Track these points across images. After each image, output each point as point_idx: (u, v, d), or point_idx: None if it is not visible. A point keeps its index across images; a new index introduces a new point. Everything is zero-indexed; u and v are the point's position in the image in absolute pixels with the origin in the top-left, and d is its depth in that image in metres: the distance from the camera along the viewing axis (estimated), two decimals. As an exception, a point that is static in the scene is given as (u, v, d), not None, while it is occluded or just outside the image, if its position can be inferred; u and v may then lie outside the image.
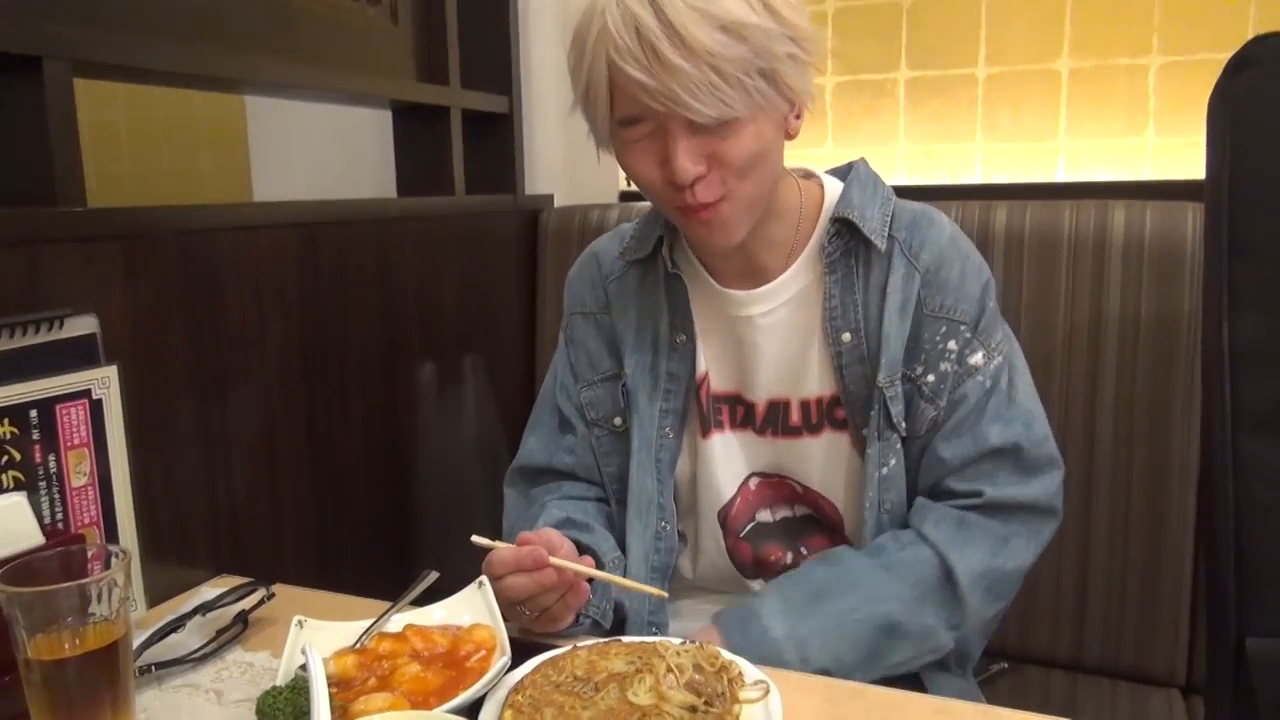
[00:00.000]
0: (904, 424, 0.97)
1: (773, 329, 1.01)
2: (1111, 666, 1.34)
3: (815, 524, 1.05)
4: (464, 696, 0.73)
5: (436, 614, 0.89)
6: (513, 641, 0.81)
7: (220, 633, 0.92)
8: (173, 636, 0.90)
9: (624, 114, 0.87)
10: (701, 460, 1.05)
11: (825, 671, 0.89)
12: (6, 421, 0.86)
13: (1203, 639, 1.28)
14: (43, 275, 0.91)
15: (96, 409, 0.93)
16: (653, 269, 1.06)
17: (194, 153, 2.25)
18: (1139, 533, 1.30)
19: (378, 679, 0.78)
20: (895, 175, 1.70)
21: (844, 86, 1.71)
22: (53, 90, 0.93)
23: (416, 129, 1.61)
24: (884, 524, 0.99)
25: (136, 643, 0.85)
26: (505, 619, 0.85)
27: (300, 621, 0.84)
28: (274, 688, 0.75)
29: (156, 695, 0.84)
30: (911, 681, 0.96)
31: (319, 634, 0.83)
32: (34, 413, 0.88)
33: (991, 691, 1.23)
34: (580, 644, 0.82)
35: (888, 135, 1.70)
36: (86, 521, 0.93)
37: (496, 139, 1.71)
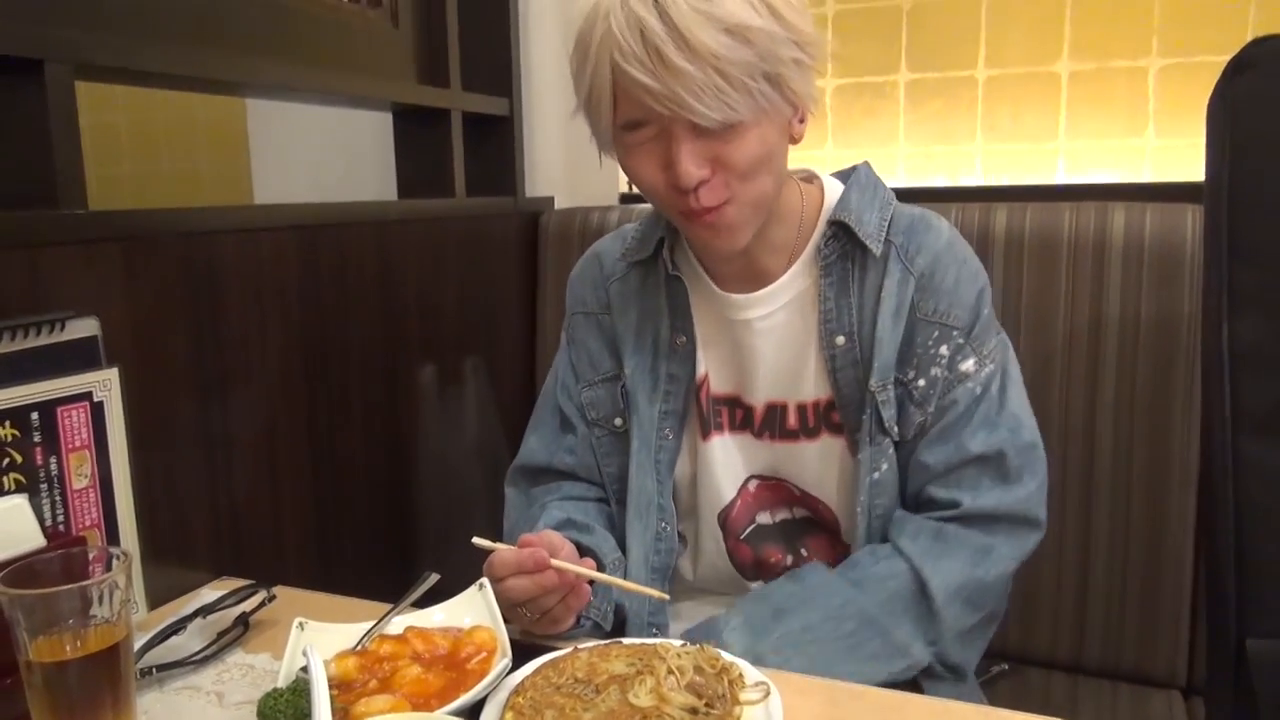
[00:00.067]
0: (896, 428, 0.97)
1: (771, 332, 1.01)
2: (1112, 668, 1.34)
3: (814, 525, 1.05)
4: (465, 698, 0.73)
5: (437, 616, 0.89)
6: (513, 643, 0.81)
7: (221, 635, 0.92)
8: (174, 639, 0.90)
9: (627, 117, 0.87)
10: (702, 462, 1.05)
11: None
12: (8, 424, 0.86)
13: (1203, 640, 1.28)
14: (44, 278, 0.91)
15: (98, 411, 0.93)
16: (654, 270, 1.06)
17: (194, 155, 2.25)
18: (1139, 534, 1.30)
19: (379, 681, 0.78)
20: (895, 177, 1.70)
21: (844, 89, 1.72)
22: (54, 93, 0.93)
23: (417, 131, 1.61)
24: (874, 529, 0.99)
25: (138, 645, 0.85)
26: (506, 621, 0.85)
27: (301, 623, 0.84)
28: (275, 690, 0.76)
29: (158, 697, 0.84)
30: (910, 683, 0.95)
31: (320, 636, 0.83)
32: (35, 415, 0.88)
33: (992, 693, 1.23)
34: (581, 646, 0.82)
35: (888, 137, 1.70)
36: (88, 524, 0.93)
37: (497, 141, 1.71)
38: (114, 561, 0.70)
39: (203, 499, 1.09)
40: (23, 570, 0.68)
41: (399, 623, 0.87)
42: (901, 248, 0.97)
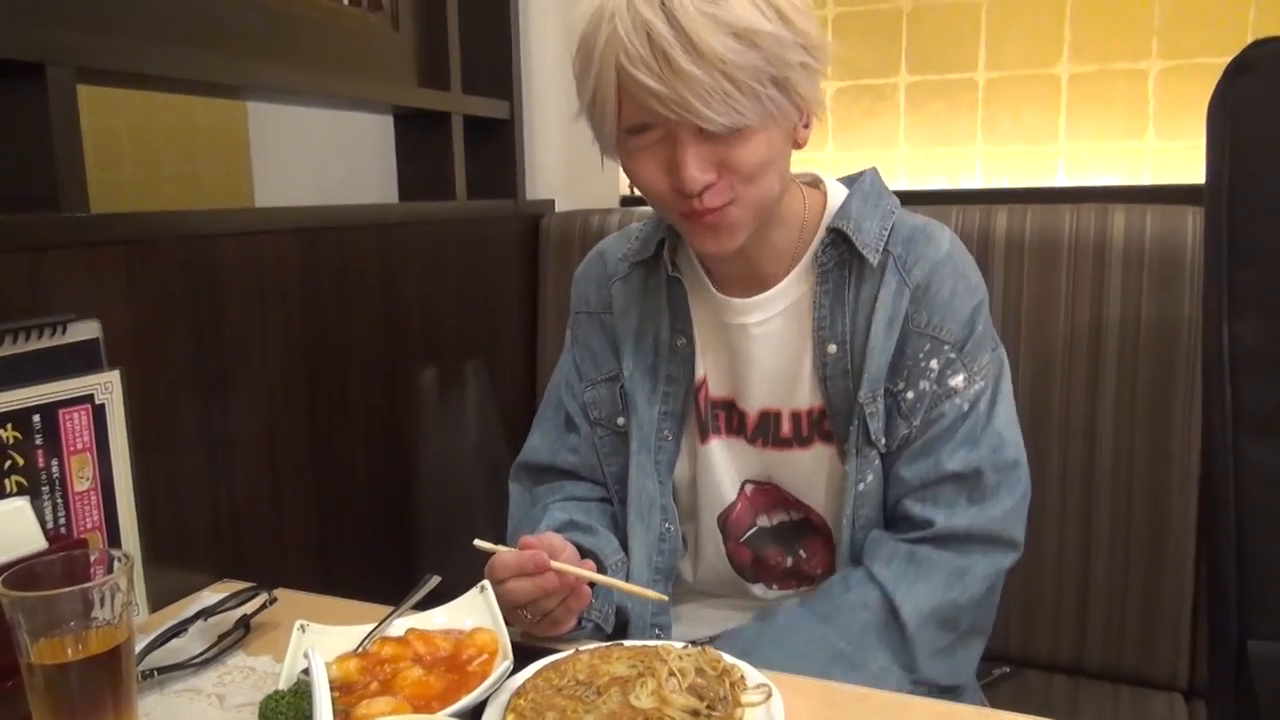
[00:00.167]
0: (883, 439, 0.96)
1: (767, 338, 1.00)
2: (1113, 670, 1.34)
3: (810, 528, 1.05)
4: (466, 700, 0.73)
5: (438, 618, 0.89)
6: (515, 645, 0.81)
7: (222, 637, 0.92)
8: (175, 641, 0.90)
9: (633, 121, 0.86)
10: (702, 464, 1.05)
11: None
12: (9, 426, 0.86)
13: (1204, 642, 1.28)
14: (46, 280, 0.91)
15: (99, 414, 0.93)
16: (655, 271, 1.06)
17: (195, 159, 2.25)
18: (1140, 536, 1.30)
19: (380, 683, 0.78)
20: (896, 179, 1.70)
21: (845, 91, 1.72)
22: (56, 96, 0.93)
23: (418, 134, 1.61)
24: (859, 540, 0.98)
25: (139, 647, 0.85)
26: (507, 623, 0.85)
27: (302, 626, 0.84)
28: (276, 692, 0.76)
29: (159, 700, 0.84)
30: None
31: (321, 638, 0.83)
32: (37, 418, 0.88)
33: (993, 696, 1.22)
34: (582, 648, 0.82)
35: (888, 139, 1.70)
36: (89, 526, 0.93)
37: (498, 144, 1.71)
38: (115, 564, 0.70)
39: (204, 501, 1.09)
40: (24, 572, 0.68)
41: (400, 625, 0.87)
42: (899, 259, 0.96)
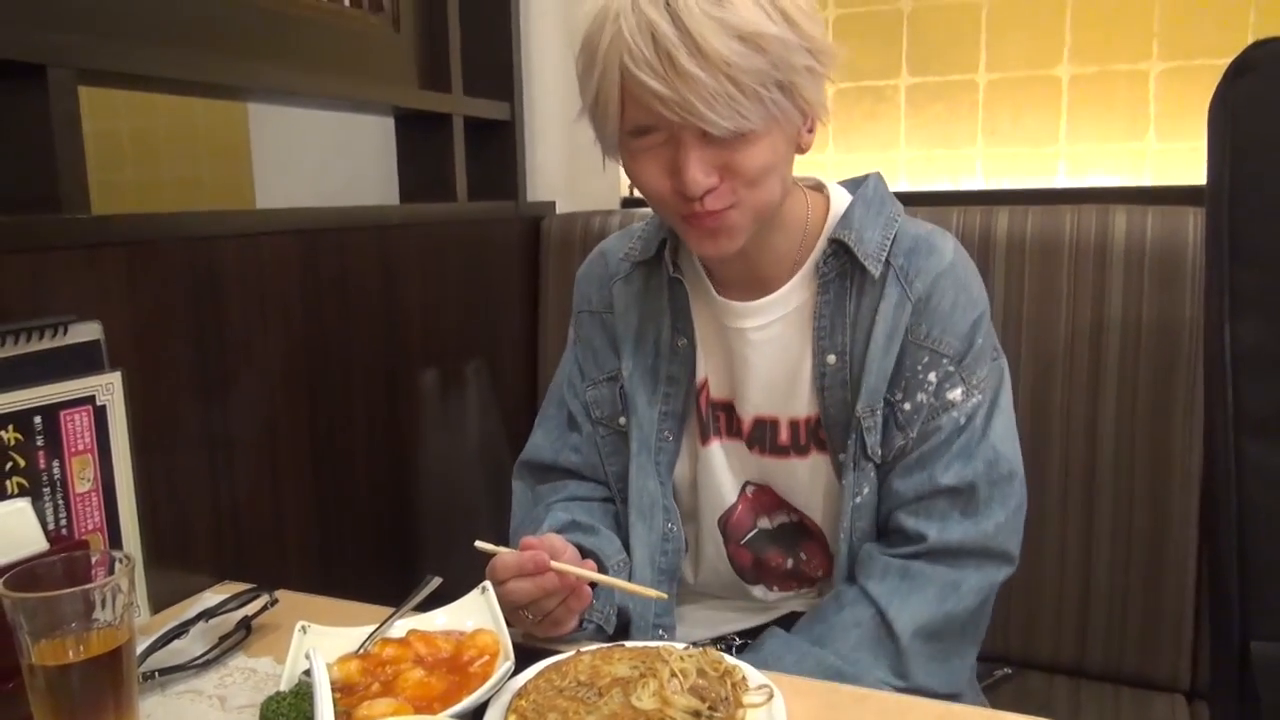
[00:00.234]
0: (879, 452, 0.96)
1: (765, 344, 1.00)
2: (1115, 672, 1.34)
3: (807, 532, 1.05)
4: (467, 701, 0.73)
5: (440, 619, 0.89)
6: (516, 646, 0.81)
7: (224, 639, 0.92)
8: (176, 642, 0.90)
9: (635, 123, 0.86)
10: (702, 466, 1.05)
11: None
12: (11, 427, 0.86)
13: (1206, 644, 1.28)
14: (47, 282, 0.91)
15: (100, 415, 0.93)
16: (657, 271, 1.05)
17: (196, 161, 2.25)
18: (1142, 537, 1.30)
19: (381, 684, 0.78)
20: (897, 181, 1.70)
21: (845, 93, 1.72)
22: (57, 98, 0.93)
23: (419, 136, 1.61)
24: (855, 549, 0.98)
25: (140, 649, 0.85)
26: (509, 624, 0.85)
27: (304, 627, 0.84)
28: (278, 693, 0.76)
29: (160, 701, 0.84)
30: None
31: (322, 639, 0.83)
32: (38, 419, 0.88)
33: (994, 697, 1.23)
34: (584, 649, 0.82)
35: (889, 141, 1.70)
36: (90, 527, 0.93)
37: (498, 146, 1.72)
38: (116, 565, 0.70)
39: (205, 503, 1.09)
40: (25, 574, 0.68)
41: (401, 626, 0.87)
42: (901, 270, 0.95)
